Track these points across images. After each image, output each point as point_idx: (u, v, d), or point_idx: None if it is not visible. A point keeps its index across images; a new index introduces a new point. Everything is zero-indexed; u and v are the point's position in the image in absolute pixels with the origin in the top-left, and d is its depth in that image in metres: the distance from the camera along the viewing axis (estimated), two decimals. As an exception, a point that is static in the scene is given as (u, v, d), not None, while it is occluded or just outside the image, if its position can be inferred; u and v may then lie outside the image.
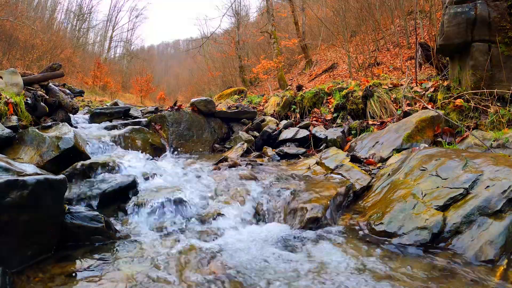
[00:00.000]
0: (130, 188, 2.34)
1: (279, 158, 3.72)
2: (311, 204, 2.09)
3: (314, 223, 2.01)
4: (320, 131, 4.06)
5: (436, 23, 8.10)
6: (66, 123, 3.18)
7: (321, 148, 3.81)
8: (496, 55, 3.28)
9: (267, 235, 1.95)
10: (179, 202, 2.18)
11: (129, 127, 3.77)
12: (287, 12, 16.06)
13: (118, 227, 1.96)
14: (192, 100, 4.84)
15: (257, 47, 20.14)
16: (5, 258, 1.45)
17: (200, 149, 4.34)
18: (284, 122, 4.69)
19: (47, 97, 3.84)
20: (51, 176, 1.66)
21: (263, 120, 4.89)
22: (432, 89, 3.97)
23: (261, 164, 3.22)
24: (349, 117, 4.50)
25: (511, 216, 1.64)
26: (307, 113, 5.25)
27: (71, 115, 4.05)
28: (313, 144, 3.99)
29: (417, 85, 4.28)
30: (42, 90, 4.05)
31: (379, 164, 2.97)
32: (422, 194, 1.98)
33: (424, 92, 4.06)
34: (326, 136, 3.87)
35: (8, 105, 3.04)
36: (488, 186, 1.81)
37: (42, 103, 3.56)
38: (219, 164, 3.16)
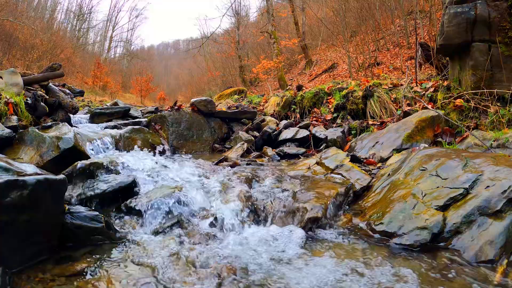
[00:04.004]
0: (130, 188, 2.33)
1: (279, 158, 3.72)
2: (311, 204, 2.09)
3: (314, 223, 2.00)
4: (320, 131, 4.06)
5: (436, 23, 8.10)
6: (66, 123, 3.18)
7: (321, 148, 3.81)
8: (496, 55, 3.28)
9: (267, 235, 1.95)
10: (178, 202, 2.18)
11: (129, 127, 3.77)
12: (287, 12, 16.05)
13: (118, 227, 1.96)
14: (192, 100, 4.84)
15: (257, 47, 20.13)
16: (5, 258, 1.45)
17: (200, 149, 4.33)
18: (284, 122, 4.69)
19: (47, 97, 3.84)
20: (51, 176, 1.66)
21: (263, 120, 4.89)
22: (432, 89, 3.97)
23: (261, 164, 3.22)
24: (349, 117, 4.50)
25: (511, 216, 1.64)
26: (307, 113, 5.25)
27: (71, 115, 4.05)
28: (313, 144, 3.99)
29: (417, 85, 4.27)
30: (42, 90, 4.04)
31: (379, 164, 2.97)
32: (422, 194, 1.98)
33: (424, 92, 4.06)
34: (326, 136, 3.87)
35: (8, 105, 3.04)
36: (488, 186, 1.81)
37: (42, 103, 3.56)
38: (219, 164, 3.16)
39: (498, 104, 3.25)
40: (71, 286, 1.40)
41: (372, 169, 2.84)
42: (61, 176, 1.72)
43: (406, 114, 3.76)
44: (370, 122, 4.12)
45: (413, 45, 9.70)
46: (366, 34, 11.81)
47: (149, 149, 3.62)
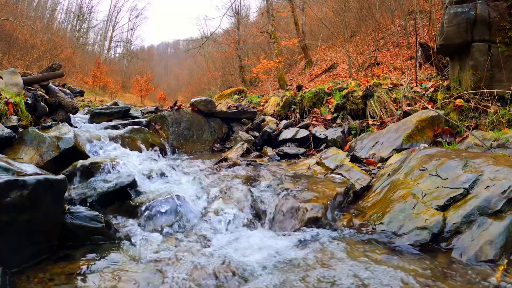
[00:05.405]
0: (130, 188, 2.33)
1: (279, 158, 3.72)
2: (311, 204, 2.09)
3: (314, 223, 2.00)
4: (320, 131, 4.06)
5: (436, 23, 8.11)
6: (66, 123, 3.18)
7: (321, 148, 3.80)
8: (496, 55, 3.28)
9: (267, 235, 1.95)
10: (178, 202, 2.18)
11: (129, 127, 3.77)
12: (287, 12, 16.06)
13: (118, 227, 1.96)
14: (192, 100, 4.84)
15: (257, 47, 20.14)
16: (5, 258, 1.45)
17: (200, 149, 4.33)
18: (284, 122, 4.69)
19: (47, 97, 3.84)
20: (51, 176, 1.66)
21: (263, 120, 4.89)
22: (432, 89, 3.97)
23: (261, 164, 3.22)
24: (349, 117, 4.50)
25: (511, 216, 1.64)
26: (307, 113, 5.25)
27: (71, 115, 4.05)
28: (313, 144, 3.99)
29: (417, 85, 4.27)
30: (42, 90, 4.04)
31: (379, 164, 2.97)
32: (422, 194, 1.98)
33: (424, 92, 4.06)
34: (326, 136, 3.87)
35: (8, 105, 3.04)
36: (488, 186, 1.81)
37: (42, 103, 3.56)
38: (219, 164, 3.16)
39: (498, 104, 3.25)
40: (71, 286, 1.40)
41: (372, 169, 2.84)
42: (61, 176, 1.72)
43: (406, 114, 3.76)
44: (370, 122, 4.12)
45: (413, 45, 9.70)
46: (366, 34, 11.81)
47: (149, 149, 3.62)
